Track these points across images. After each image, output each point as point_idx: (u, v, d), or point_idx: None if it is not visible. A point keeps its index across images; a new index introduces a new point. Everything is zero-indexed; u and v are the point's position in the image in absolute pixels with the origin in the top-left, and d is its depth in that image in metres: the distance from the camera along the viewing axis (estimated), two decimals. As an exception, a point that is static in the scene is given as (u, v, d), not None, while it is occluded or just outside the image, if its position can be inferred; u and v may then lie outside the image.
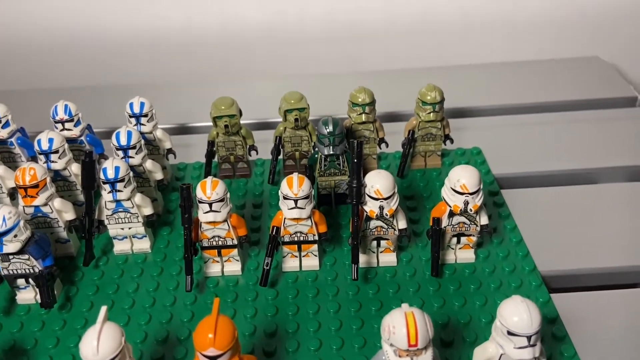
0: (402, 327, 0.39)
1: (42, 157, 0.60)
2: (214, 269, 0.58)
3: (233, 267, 0.58)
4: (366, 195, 0.53)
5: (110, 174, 0.55)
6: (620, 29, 0.99)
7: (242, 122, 0.68)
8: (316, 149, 0.65)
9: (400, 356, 0.40)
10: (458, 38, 0.98)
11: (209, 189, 0.52)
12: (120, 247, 0.60)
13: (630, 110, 0.84)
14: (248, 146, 0.70)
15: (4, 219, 0.49)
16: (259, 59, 1.01)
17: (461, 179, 0.52)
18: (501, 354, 0.41)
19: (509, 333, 0.40)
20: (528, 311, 0.39)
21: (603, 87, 0.89)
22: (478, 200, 0.53)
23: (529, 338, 0.39)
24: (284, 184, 0.53)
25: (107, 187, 0.55)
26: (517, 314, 0.39)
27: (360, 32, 0.98)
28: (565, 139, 0.78)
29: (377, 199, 0.53)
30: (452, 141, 0.70)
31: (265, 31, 0.99)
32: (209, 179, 0.53)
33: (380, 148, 0.70)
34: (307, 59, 1.00)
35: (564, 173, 0.73)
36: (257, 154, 0.70)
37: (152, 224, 0.62)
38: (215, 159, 0.70)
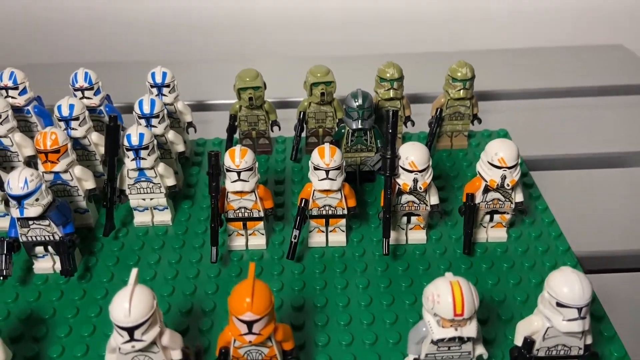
0: (447, 295, 0.37)
1: (61, 124, 0.58)
2: (238, 242, 0.56)
3: (258, 240, 0.56)
4: (400, 168, 0.51)
5: (135, 141, 0.53)
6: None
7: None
8: (342, 124, 0.63)
9: (444, 326, 0.38)
10: (485, 23, 0.97)
11: (237, 157, 0.50)
12: (140, 218, 0.58)
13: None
14: (271, 121, 0.68)
15: (25, 181, 0.47)
16: (277, 41, 0.99)
17: (499, 152, 0.50)
18: (547, 327, 0.39)
19: (558, 305, 0.38)
20: (580, 282, 0.37)
21: (627, 74, 0.88)
22: (516, 175, 0.51)
23: (579, 310, 0.38)
24: (315, 154, 0.51)
25: (131, 154, 0.53)
26: (567, 284, 0.38)
27: (384, 15, 0.96)
28: (591, 124, 0.77)
29: (411, 172, 0.51)
30: (479, 121, 0.68)
31: (286, 12, 0.97)
32: (237, 147, 0.51)
33: (406, 126, 0.69)
34: (325, 41, 0.99)
35: (589, 156, 0.71)
36: (280, 129, 0.69)
37: (174, 196, 0.60)
38: (237, 135, 0.68)
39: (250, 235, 0.56)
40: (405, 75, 0.66)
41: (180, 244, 0.57)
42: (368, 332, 0.47)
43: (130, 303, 0.36)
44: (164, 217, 0.59)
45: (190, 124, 0.68)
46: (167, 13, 0.95)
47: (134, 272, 0.38)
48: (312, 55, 0.99)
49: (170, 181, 0.57)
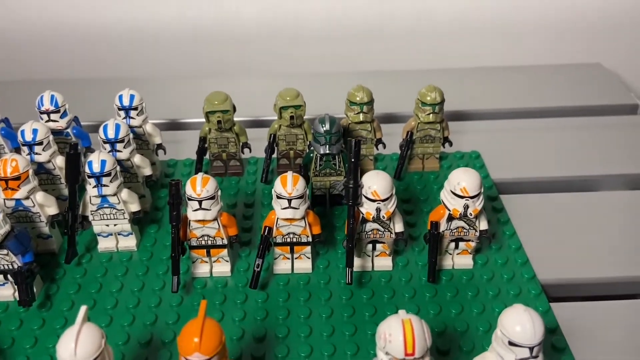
0: (399, 334, 0.37)
1: (25, 148, 0.57)
2: (202, 270, 0.55)
3: (222, 267, 0.55)
4: (363, 197, 0.51)
5: (96, 168, 0.52)
6: (623, 36, 0.98)
7: (235, 119, 0.66)
8: (311, 148, 0.63)
9: (396, 365, 0.38)
10: (459, 41, 0.97)
11: (199, 186, 0.50)
12: (104, 244, 0.58)
13: (631, 118, 0.83)
14: (241, 143, 0.68)
15: (-19, 212, 0.47)
16: (253, 56, 0.99)
17: (462, 182, 0.50)
18: (501, 365, 0.39)
19: (511, 343, 0.38)
20: (531, 321, 0.37)
21: (604, 94, 0.88)
22: (478, 205, 0.51)
23: (531, 349, 0.37)
24: (277, 182, 0.51)
25: (93, 181, 0.53)
26: (519, 323, 0.37)
27: (358, 31, 0.96)
28: (566, 145, 0.77)
29: (374, 201, 0.51)
30: (450, 144, 0.68)
31: (260, 28, 0.97)
32: (199, 176, 0.51)
33: (377, 149, 0.68)
34: (303, 57, 0.99)
35: (563, 179, 0.71)
36: (250, 151, 0.68)
37: (139, 221, 0.60)
38: (207, 156, 0.68)
39: (214, 262, 0.55)
40: (378, 93, 0.66)
41: (144, 271, 0.56)
42: (328, 365, 0.47)
43: (76, 343, 0.36)
44: (129, 243, 0.58)
45: (159, 146, 0.68)
46: (138, 28, 0.94)
47: (83, 309, 0.38)
48: (285, 71, 0.99)
49: (134, 207, 0.57)
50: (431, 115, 0.64)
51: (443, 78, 0.91)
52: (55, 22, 0.93)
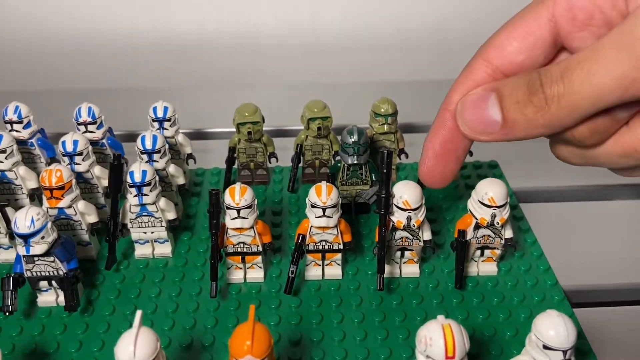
0: (439, 339, 0.39)
1: (65, 158, 0.59)
2: (236, 276, 0.57)
3: (256, 274, 0.57)
4: (394, 206, 0.53)
5: (137, 178, 0.54)
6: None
7: (261, 129, 0.68)
8: (338, 158, 0.65)
9: (436, 368, 0.40)
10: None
11: (237, 195, 0.52)
12: (141, 251, 0.60)
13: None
14: (268, 153, 0.70)
15: (32, 221, 0.49)
16: (275, 67, 1.01)
17: (489, 192, 0.52)
18: (535, 368, 0.41)
19: (545, 347, 0.40)
20: (565, 325, 0.39)
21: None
22: (505, 214, 0.53)
23: (564, 352, 0.39)
24: (312, 192, 0.53)
25: (134, 190, 0.55)
26: (553, 328, 0.39)
27: (378, 42, 0.98)
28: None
29: (405, 210, 0.53)
30: (471, 154, 0.70)
31: (280, 39, 1.00)
32: (237, 185, 0.53)
33: (400, 159, 0.71)
34: (323, 68, 1.01)
35: (578, 189, 0.73)
36: (277, 161, 0.71)
37: (174, 229, 0.62)
38: (235, 166, 0.70)
39: (248, 268, 0.57)
40: (401, 103, 0.68)
41: (180, 277, 0.58)
42: (363, 367, 0.49)
43: (135, 346, 0.38)
44: (165, 250, 0.60)
45: (190, 156, 0.70)
46: (167, 39, 0.97)
47: (139, 314, 0.40)
48: (309, 81, 1.01)
49: (171, 215, 0.59)
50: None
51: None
52: (88, 34, 0.96)
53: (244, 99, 0.69)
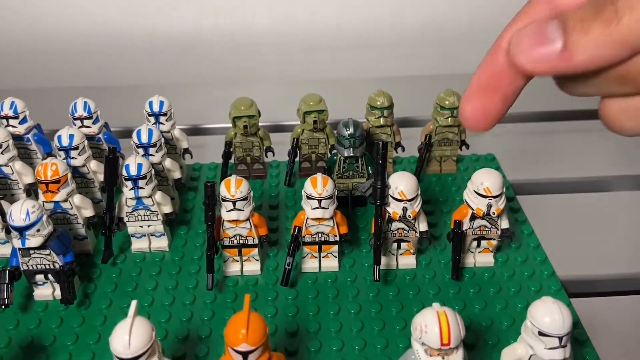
0: (434, 325, 0.39)
1: (61, 153, 0.59)
2: (233, 268, 0.57)
3: (252, 266, 0.57)
4: (390, 197, 0.53)
5: (133, 171, 0.54)
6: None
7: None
8: (334, 151, 0.65)
9: (431, 355, 0.40)
10: (472, 45, 0.99)
11: (233, 187, 0.52)
12: (138, 245, 0.60)
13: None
14: (265, 147, 0.70)
15: (27, 213, 0.49)
16: (271, 64, 1.01)
17: (485, 182, 0.52)
18: (531, 355, 0.41)
19: (540, 334, 0.40)
20: (560, 312, 0.39)
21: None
22: (501, 204, 0.53)
23: (560, 339, 0.39)
24: (307, 183, 0.53)
25: (129, 183, 0.55)
26: (549, 314, 0.39)
27: (373, 39, 0.98)
28: (577, 147, 0.79)
29: (400, 201, 0.53)
30: (467, 146, 0.71)
31: (276, 37, 1.00)
32: (233, 177, 0.53)
33: (397, 152, 0.71)
34: (319, 64, 1.01)
35: (575, 181, 0.73)
36: (273, 155, 0.71)
37: (170, 223, 0.62)
38: (232, 160, 0.70)
39: (245, 261, 0.57)
40: (396, 98, 0.68)
41: (177, 270, 0.58)
42: (360, 358, 0.49)
43: (130, 335, 0.38)
44: (161, 244, 0.60)
45: (186, 150, 0.70)
46: (162, 36, 0.97)
47: (134, 304, 0.40)
48: (305, 78, 1.01)
49: (167, 208, 0.59)
50: (450, 119, 0.66)
51: (458, 82, 0.93)
52: (84, 32, 0.96)
53: (240, 95, 0.69)
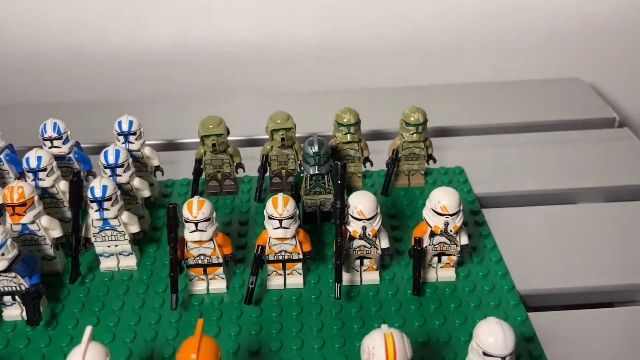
0: (380, 348, 0.40)
1: (30, 174, 0.60)
2: (199, 287, 0.58)
3: (218, 284, 0.58)
4: (349, 216, 0.54)
5: (98, 193, 0.55)
6: (600, 51, 1.02)
7: (229, 139, 0.69)
8: (302, 168, 0.66)
9: (379, 376, 0.41)
10: (442, 58, 1.00)
11: (195, 209, 0.53)
12: (106, 264, 0.61)
13: (608, 131, 0.87)
14: (235, 164, 0.71)
15: (-9, 238, 0.50)
16: (245, 76, 1.02)
17: (441, 201, 0.53)
18: (477, 374, 0.42)
19: (484, 354, 0.41)
20: (502, 332, 0.40)
21: (583, 108, 0.92)
22: (458, 222, 0.54)
23: (503, 359, 0.41)
24: (269, 204, 0.54)
25: (95, 205, 0.56)
26: (492, 335, 0.41)
27: (347, 51, 1.00)
28: (546, 159, 0.80)
29: (360, 220, 0.54)
30: (434, 161, 0.72)
31: (253, 49, 1.01)
32: (195, 199, 0.54)
33: (365, 167, 0.72)
34: (295, 76, 1.02)
35: (543, 193, 0.74)
36: (244, 171, 0.72)
37: (139, 241, 0.63)
38: (203, 177, 0.71)
39: (210, 279, 0.58)
40: (365, 110, 0.69)
41: (144, 289, 0.59)
42: (318, 375, 0.50)
43: (83, 361, 0.39)
44: (129, 262, 0.61)
45: (157, 168, 0.71)
46: (134, 52, 0.98)
47: (88, 330, 0.41)
48: (275, 90, 1.02)
49: (134, 228, 0.60)
50: (415, 135, 0.68)
51: (427, 95, 0.95)
52: (54, 46, 0.97)
53: (214, 109, 0.70)
